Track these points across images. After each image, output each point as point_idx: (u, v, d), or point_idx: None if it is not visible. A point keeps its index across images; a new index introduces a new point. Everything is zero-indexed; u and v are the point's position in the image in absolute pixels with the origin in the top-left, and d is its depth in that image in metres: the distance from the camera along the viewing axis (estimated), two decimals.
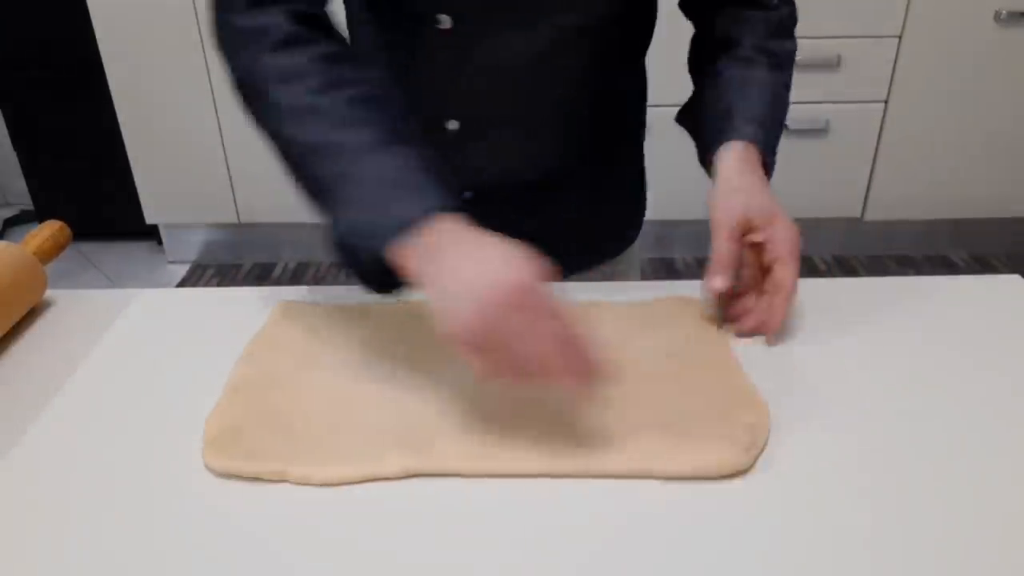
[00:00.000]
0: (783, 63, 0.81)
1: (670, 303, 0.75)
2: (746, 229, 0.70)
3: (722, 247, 0.70)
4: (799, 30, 0.83)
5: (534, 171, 0.83)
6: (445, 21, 0.71)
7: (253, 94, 0.65)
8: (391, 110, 0.65)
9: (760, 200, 0.71)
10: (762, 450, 0.57)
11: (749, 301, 0.72)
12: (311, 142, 0.62)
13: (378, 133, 0.61)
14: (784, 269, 0.69)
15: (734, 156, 0.74)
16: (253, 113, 0.66)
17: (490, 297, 0.53)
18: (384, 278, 0.60)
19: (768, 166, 0.77)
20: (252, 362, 0.67)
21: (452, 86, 0.76)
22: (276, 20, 0.64)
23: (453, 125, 0.78)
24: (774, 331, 0.70)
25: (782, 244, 0.69)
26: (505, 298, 0.53)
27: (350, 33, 0.83)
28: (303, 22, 0.66)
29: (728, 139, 0.75)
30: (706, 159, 0.78)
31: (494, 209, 0.85)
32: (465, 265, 0.55)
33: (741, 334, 0.71)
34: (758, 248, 0.71)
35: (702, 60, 0.84)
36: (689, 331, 0.71)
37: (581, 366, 0.54)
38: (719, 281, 0.69)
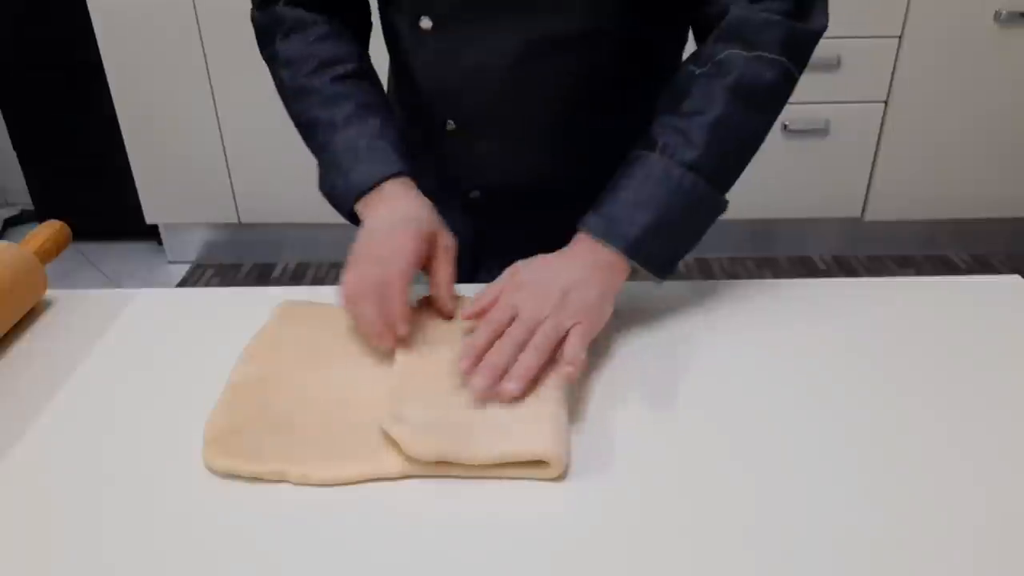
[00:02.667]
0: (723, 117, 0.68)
1: None
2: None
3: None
4: None
5: (533, 173, 0.84)
6: (426, 22, 0.76)
7: (274, 77, 0.80)
8: (368, 81, 0.78)
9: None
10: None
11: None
12: (305, 118, 0.77)
13: (351, 107, 0.75)
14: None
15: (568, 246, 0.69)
16: (278, 92, 0.80)
17: (361, 268, 0.66)
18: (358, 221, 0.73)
19: (649, 262, 0.67)
20: (252, 362, 0.67)
21: (441, 86, 0.80)
22: (282, 11, 0.78)
23: (451, 125, 0.81)
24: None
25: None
26: (370, 275, 0.65)
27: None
28: (306, 6, 0.78)
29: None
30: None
31: (504, 206, 0.86)
32: (372, 229, 0.69)
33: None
34: None
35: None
36: None
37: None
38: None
